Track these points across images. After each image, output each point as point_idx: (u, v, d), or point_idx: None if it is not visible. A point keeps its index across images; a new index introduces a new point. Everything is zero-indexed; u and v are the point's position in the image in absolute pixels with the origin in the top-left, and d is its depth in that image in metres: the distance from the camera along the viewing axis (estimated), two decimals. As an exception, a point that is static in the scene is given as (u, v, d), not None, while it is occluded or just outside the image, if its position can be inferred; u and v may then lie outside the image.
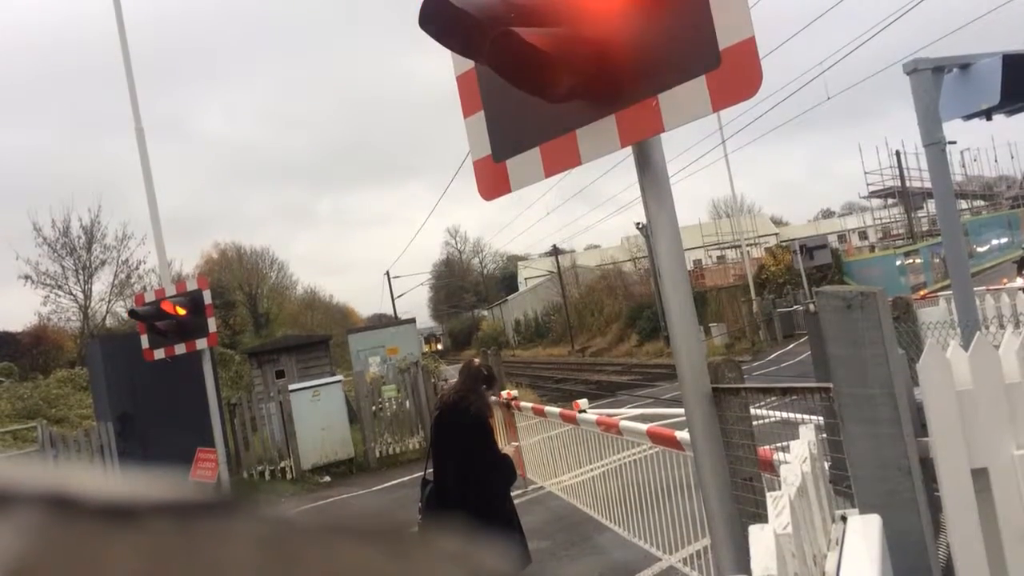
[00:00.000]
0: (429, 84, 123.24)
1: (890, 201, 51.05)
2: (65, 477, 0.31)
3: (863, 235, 62.43)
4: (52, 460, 12.99)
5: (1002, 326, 9.62)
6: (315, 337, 27.58)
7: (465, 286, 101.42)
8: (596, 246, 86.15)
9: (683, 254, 3.39)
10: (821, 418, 3.37)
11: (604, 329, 54.01)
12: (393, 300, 55.01)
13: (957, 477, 2.93)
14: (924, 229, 46.83)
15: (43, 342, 36.03)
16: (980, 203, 55.41)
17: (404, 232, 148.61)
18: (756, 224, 59.71)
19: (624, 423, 7.64)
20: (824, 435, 3.29)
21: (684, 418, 3.52)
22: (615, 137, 3.15)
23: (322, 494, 13.88)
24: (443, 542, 0.36)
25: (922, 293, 23.90)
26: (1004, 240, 48.14)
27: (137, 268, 37.60)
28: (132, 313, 13.31)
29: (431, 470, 5.83)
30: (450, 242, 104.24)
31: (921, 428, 2.99)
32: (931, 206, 41.13)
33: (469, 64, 3.59)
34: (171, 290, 13.12)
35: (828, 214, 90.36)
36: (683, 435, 5.68)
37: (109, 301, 37.45)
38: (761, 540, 1.85)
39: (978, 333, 3.39)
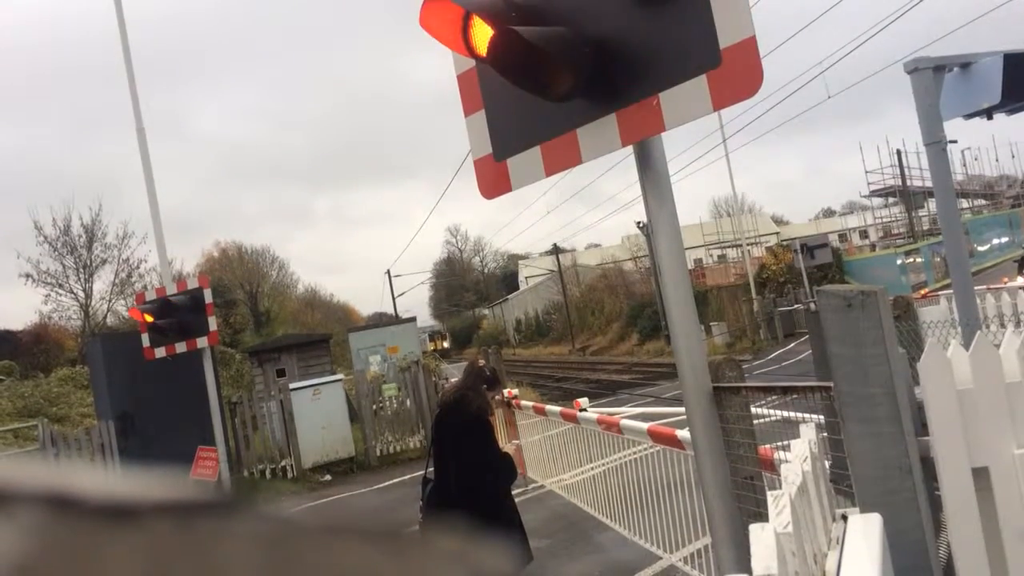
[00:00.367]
0: (428, 83, 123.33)
1: (891, 200, 51.00)
2: (66, 476, 0.31)
3: (864, 234, 62.36)
4: (53, 459, 13.00)
5: (1003, 325, 9.62)
6: (316, 336, 27.61)
7: (466, 285, 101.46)
8: (597, 245, 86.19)
9: (684, 253, 3.39)
10: (822, 417, 3.37)
11: (605, 328, 54.01)
12: (394, 299, 55.07)
13: (958, 476, 2.93)
14: (925, 228, 46.78)
15: (44, 341, 36.04)
16: (981, 202, 55.35)
17: (405, 231, 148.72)
18: (757, 223, 59.67)
19: (625, 422, 7.64)
20: (825, 434, 3.30)
21: (685, 417, 3.52)
22: (616, 136, 3.14)
23: (323, 493, 13.89)
24: (444, 541, 0.36)
25: (923, 292, 23.89)
26: (1005, 239, 48.12)
27: (138, 267, 37.67)
28: (133, 312, 13.32)
29: (432, 468, 5.83)
30: (451, 241, 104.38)
31: (922, 427, 2.99)
32: (932, 205, 41.12)
33: (470, 63, 3.59)
34: (172, 289, 13.14)
35: (829, 213, 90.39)
36: (684, 434, 5.68)
37: (110, 300, 37.52)
38: (762, 539, 1.85)
39: (979, 332, 3.39)
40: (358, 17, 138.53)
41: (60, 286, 36.75)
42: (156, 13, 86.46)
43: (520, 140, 3.51)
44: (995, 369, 2.95)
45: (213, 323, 12.76)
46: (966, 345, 3.06)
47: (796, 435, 3.10)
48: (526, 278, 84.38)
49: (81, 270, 36.99)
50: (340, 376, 17.94)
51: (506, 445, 10.19)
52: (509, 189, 3.62)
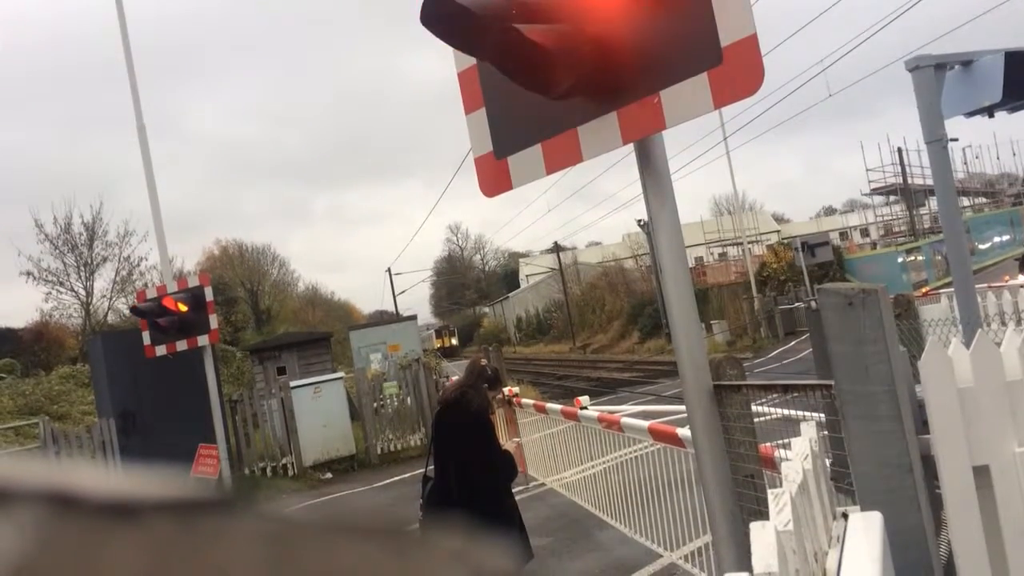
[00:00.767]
0: (429, 81, 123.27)
1: (892, 198, 50.97)
2: (67, 474, 0.31)
3: (865, 232, 62.32)
4: (54, 457, 13.01)
5: (1004, 323, 9.62)
6: (316, 334, 27.61)
7: (467, 283, 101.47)
8: (598, 243, 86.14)
9: (684, 251, 3.39)
10: (822, 415, 3.37)
11: (605, 326, 53.99)
12: (395, 297, 55.09)
13: (958, 474, 2.92)
14: (926, 226, 46.76)
15: (45, 339, 36.07)
16: (982, 200, 55.32)
17: (405, 229, 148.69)
18: (758, 221, 59.65)
19: (625, 420, 7.64)
20: (825, 432, 3.29)
21: (685, 415, 3.52)
22: (617, 134, 3.14)
23: (323, 491, 13.90)
24: (444, 539, 0.36)
25: (924, 290, 23.88)
26: (1006, 237, 48.11)
27: (139, 265, 37.69)
28: (134, 310, 13.34)
29: (432, 467, 5.83)
30: (451, 239, 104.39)
31: (922, 425, 2.99)
32: (933, 203, 41.06)
33: (471, 61, 3.59)
34: (173, 287, 13.15)
35: (830, 211, 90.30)
36: (684, 432, 5.68)
37: (111, 298, 37.54)
38: (762, 537, 1.85)
39: (980, 330, 3.39)
40: (357, 14, 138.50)
41: (61, 284, 36.82)
42: (155, 12, 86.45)
43: (521, 138, 3.51)
44: (996, 367, 2.95)
45: (214, 321, 12.77)
46: (967, 343, 3.06)
47: (797, 433, 3.10)
48: (527, 276, 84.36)
49: (82, 268, 37.04)
50: (341, 374, 17.95)
51: (506, 443, 10.20)
52: (510, 187, 3.62)
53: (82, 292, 37.05)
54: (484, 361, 6.25)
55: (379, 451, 15.95)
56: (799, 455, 2.68)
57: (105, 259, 37.30)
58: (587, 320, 58.15)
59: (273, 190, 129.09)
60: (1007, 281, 18.74)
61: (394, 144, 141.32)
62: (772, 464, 3.86)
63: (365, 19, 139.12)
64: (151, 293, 13.33)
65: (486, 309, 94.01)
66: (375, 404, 16.37)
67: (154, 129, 14.66)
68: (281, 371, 22.47)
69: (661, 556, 6.78)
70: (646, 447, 7.24)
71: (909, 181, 46.31)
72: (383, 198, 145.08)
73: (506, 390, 10.90)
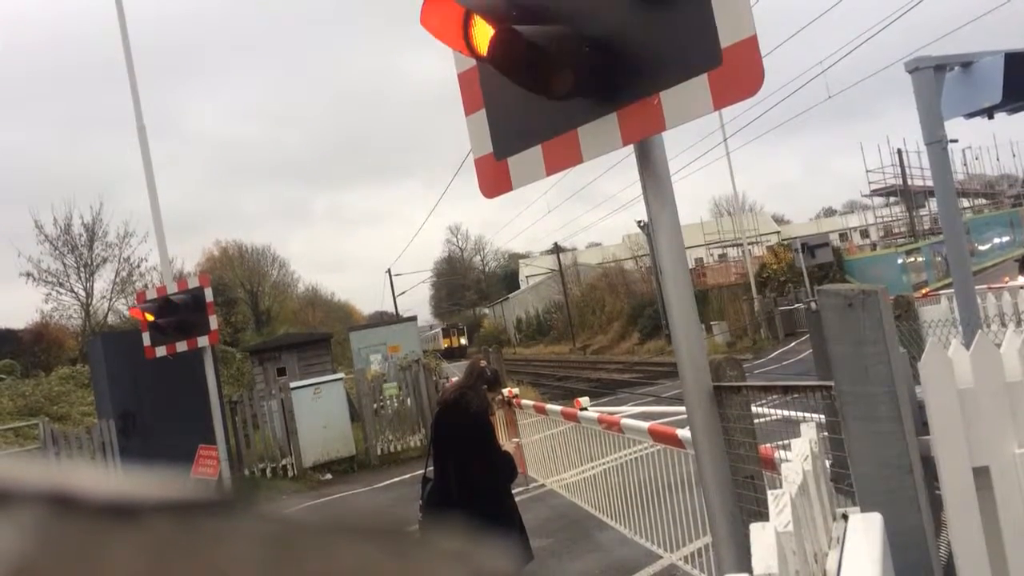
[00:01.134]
0: (428, 81, 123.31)
1: (892, 199, 50.99)
2: (67, 475, 0.31)
3: (865, 233, 62.32)
4: (54, 458, 13.01)
5: (1004, 324, 9.62)
6: (316, 335, 27.61)
7: (467, 284, 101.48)
8: (597, 244, 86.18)
9: (684, 252, 3.39)
10: (822, 416, 3.37)
11: (605, 327, 53.99)
12: (395, 298, 55.07)
13: (958, 475, 2.92)
14: (926, 227, 46.76)
15: (45, 339, 36.07)
16: (982, 202, 55.33)
17: (405, 230, 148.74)
18: (757, 222, 59.64)
19: (625, 421, 7.65)
20: (825, 433, 3.29)
21: (685, 416, 3.52)
22: (617, 135, 3.14)
23: (323, 492, 13.90)
24: (444, 540, 0.36)
25: (924, 291, 23.88)
26: (1006, 238, 48.11)
27: (139, 266, 37.68)
28: (140, 308, 13.31)
29: (431, 468, 5.83)
30: (451, 240, 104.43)
31: (922, 426, 2.99)
32: (933, 204, 41.09)
33: (471, 62, 3.59)
34: (173, 288, 13.14)
35: (830, 212, 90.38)
36: (684, 433, 5.68)
37: (111, 299, 37.54)
38: (762, 538, 1.85)
39: (980, 331, 3.39)
40: (357, 14, 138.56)
41: (61, 285, 36.82)
42: (155, 12, 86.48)
43: (521, 139, 3.51)
44: (996, 368, 2.95)
45: (214, 322, 12.76)
46: (967, 344, 3.06)
47: (797, 434, 3.10)
48: (527, 277, 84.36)
49: (82, 269, 37.04)
50: (341, 375, 17.95)
51: (506, 444, 10.20)
52: (510, 188, 3.62)
53: (82, 293, 37.08)
54: (484, 362, 6.25)
55: (379, 452, 15.95)
56: (799, 456, 2.68)
57: (105, 260, 37.34)
58: (587, 321, 58.15)
59: (273, 191, 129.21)
60: (1007, 282, 18.73)
61: (394, 145, 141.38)
62: (772, 465, 3.86)
63: (365, 18, 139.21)
64: (151, 294, 13.32)
65: (486, 310, 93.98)
66: (375, 405, 16.37)
67: (154, 129, 14.67)
68: (281, 372, 22.47)
69: (661, 557, 6.78)
70: (646, 448, 7.24)
71: (909, 182, 46.32)
72: (383, 199, 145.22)
73: (506, 391, 10.90)
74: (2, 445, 18.95)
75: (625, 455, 7.84)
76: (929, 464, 2.98)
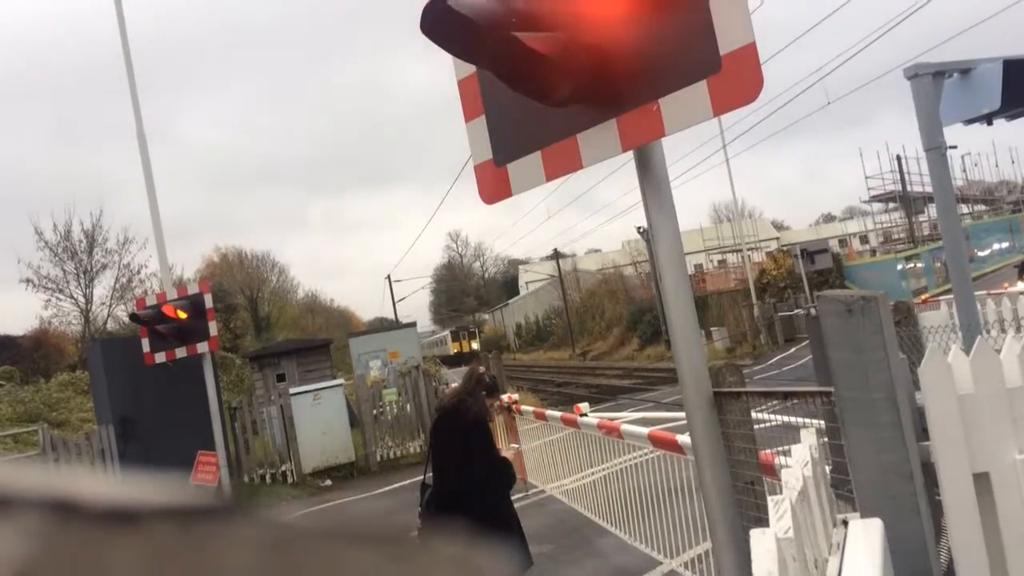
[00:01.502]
0: (430, 87, 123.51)
1: (891, 205, 51.03)
2: (67, 481, 0.31)
3: (864, 239, 62.35)
4: (53, 464, 12.99)
5: (1003, 330, 9.63)
6: (316, 341, 27.56)
7: (466, 290, 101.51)
8: (597, 250, 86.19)
9: (684, 258, 3.39)
10: (822, 422, 3.36)
11: (605, 333, 54.00)
12: (394, 304, 55.03)
13: (958, 481, 2.92)
14: (925, 233, 46.82)
15: (44, 346, 36.05)
16: (981, 207, 55.38)
17: (405, 236, 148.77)
18: (757, 228, 59.64)
19: (625, 427, 7.63)
20: (825, 439, 3.29)
21: (685, 422, 3.52)
22: (616, 141, 3.15)
23: (323, 498, 13.87)
24: (444, 546, 0.36)
25: (923, 297, 23.89)
26: (1005, 244, 48.17)
27: (138, 272, 37.72)
28: (133, 317, 13.34)
29: (431, 474, 5.82)
30: (451, 246, 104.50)
31: (922, 432, 2.99)
32: (932, 210, 41.12)
33: (471, 69, 3.60)
34: (172, 294, 13.15)
35: (829, 218, 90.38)
36: (684, 439, 5.67)
37: (110, 305, 37.55)
38: (763, 544, 1.85)
39: (979, 337, 3.39)
40: (354, 22, 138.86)
41: (60, 291, 36.85)
42: (151, 18, 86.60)
43: (520, 145, 3.51)
44: (996, 374, 2.95)
45: (213, 328, 12.77)
46: (967, 350, 3.06)
47: (797, 440, 3.10)
48: (526, 283, 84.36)
49: (82, 275, 37.06)
50: (340, 381, 17.92)
51: (505, 450, 10.18)
52: (510, 194, 3.62)
53: (81, 299, 37.10)
54: (483, 368, 6.24)
55: (378, 458, 15.92)
56: (799, 462, 2.68)
57: (105, 266, 37.37)
58: (587, 327, 58.16)
59: (273, 197, 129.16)
60: (1006, 288, 18.74)
61: (394, 151, 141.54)
62: (772, 471, 3.86)
63: (363, 23, 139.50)
64: (151, 300, 13.32)
65: (486, 316, 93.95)
66: (374, 411, 16.35)
67: (153, 136, 14.70)
68: (280, 378, 22.43)
69: (661, 563, 6.76)
70: (646, 454, 7.23)
71: (908, 188, 46.37)
72: (383, 204, 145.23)
73: (505, 397, 10.89)
74: (1, 451, 18.92)
75: (625, 461, 7.83)
76: (929, 470, 2.98)
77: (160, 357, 12.71)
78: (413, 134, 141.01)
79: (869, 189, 48.55)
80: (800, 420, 3.42)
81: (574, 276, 67.08)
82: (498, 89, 3.26)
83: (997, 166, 55.85)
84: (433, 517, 5.64)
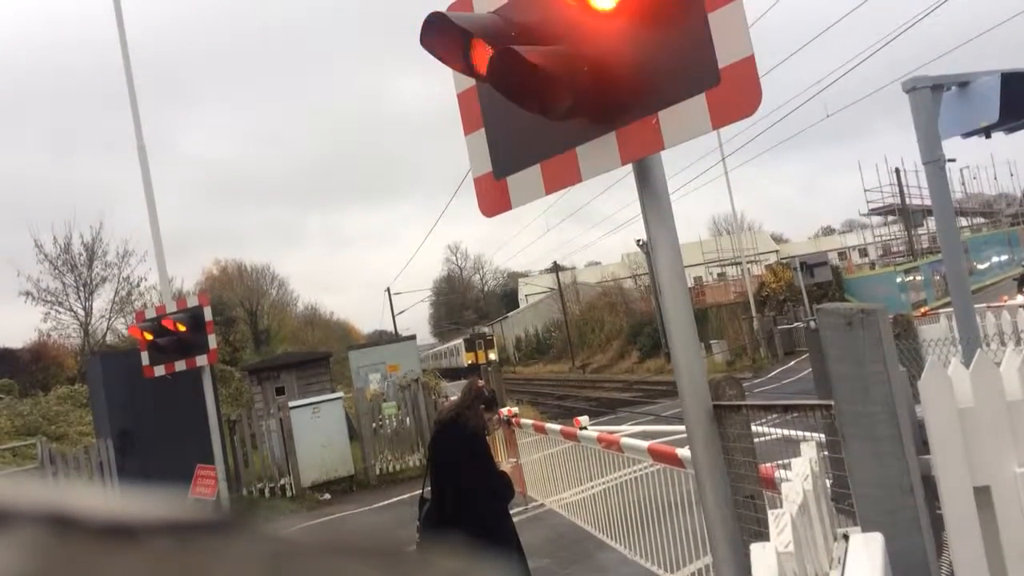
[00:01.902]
0: (427, 100, 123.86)
1: (890, 218, 51.14)
2: (66, 495, 0.31)
3: (863, 252, 62.45)
4: (51, 478, 12.95)
5: (1003, 343, 9.62)
6: (315, 354, 27.54)
7: (466, 303, 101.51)
8: (597, 263, 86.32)
9: (683, 271, 3.39)
10: (823, 435, 3.36)
11: (605, 346, 53.96)
12: (394, 317, 54.98)
13: (959, 495, 2.91)
14: (924, 246, 46.90)
15: (43, 359, 36.00)
16: (980, 220, 55.48)
17: (405, 249, 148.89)
18: (756, 241, 59.75)
19: (625, 440, 7.62)
20: (826, 453, 3.29)
21: (685, 435, 3.51)
22: (615, 154, 3.16)
23: (322, 511, 13.83)
24: (442, 560, 0.36)
25: (923, 310, 23.91)
26: (1004, 257, 48.24)
27: (138, 285, 37.71)
28: (132, 330, 13.32)
29: (429, 488, 5.81)
30: (451, 259, 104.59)
31: (923, 446, 2.99)
32: (931, 223, 41.19)
33: (470, 82, 3.61)
34: (172, 307, 13.14)
35: (828, 231, 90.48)
36: (684, 452, 5.66)
37: (110, 318, 37.51)
38: (763, 558, 1.84)
39: (979, 350, 3.38)
40: (354, 35, 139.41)
41: (60, 304, 36.81)
42: (148, 33, 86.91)
43: (520, 158, 3.52)
44: (996, 387, 2.95)
45: (213, 341, 12.75)
46: (966, 363, 3.05)
47: (797, 454, 3.10)
48: (526, 296, 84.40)
49: (81, 288, 37.04)
50: (340, 394, 17.89)
51: (505, 463, 10.16)
52: (509, 207, 3.63)
53: (81, 312, 37.07)
54: (481, 382, 6.23)
55: (378, 471, 15.88)
56: (799, 475, 2.67)
57: (104, 279, 37.35)
58: (586, 340, 58.12)
59: (273, 210, 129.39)
60: (1006, 301, 18.75)
61: (393, 164, 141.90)
62: (772, 484, 3.85)
63: (364, 40, 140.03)
64: (150, 313, 13.32)
65: (485, 329, 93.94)
66: (374, 424, 16.31)
67: (153, 150, 14.74)
68: (280, 391, 22.41)
69: (661, 578, 6.74)
70: (646, 467, 7.22)
71: (907, 201, 46.47)
72: (382, 217, 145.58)
73: (505, 410, 10.87)
74: (0, 465, 18.86)
75: (625, 474, 7.81)
76: (930, 484, 2.97)
77: (159, 370, 12.69)
78: (413, 147, 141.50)
79: (868, 202, 48.68)
80: (800, 433, 3.42)
81: (574, 289, 67.11)
82: (497, 102, 3.27)
83: (996, 179, 56.00)
84: (432, 531, 5.62)
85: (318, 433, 15.47)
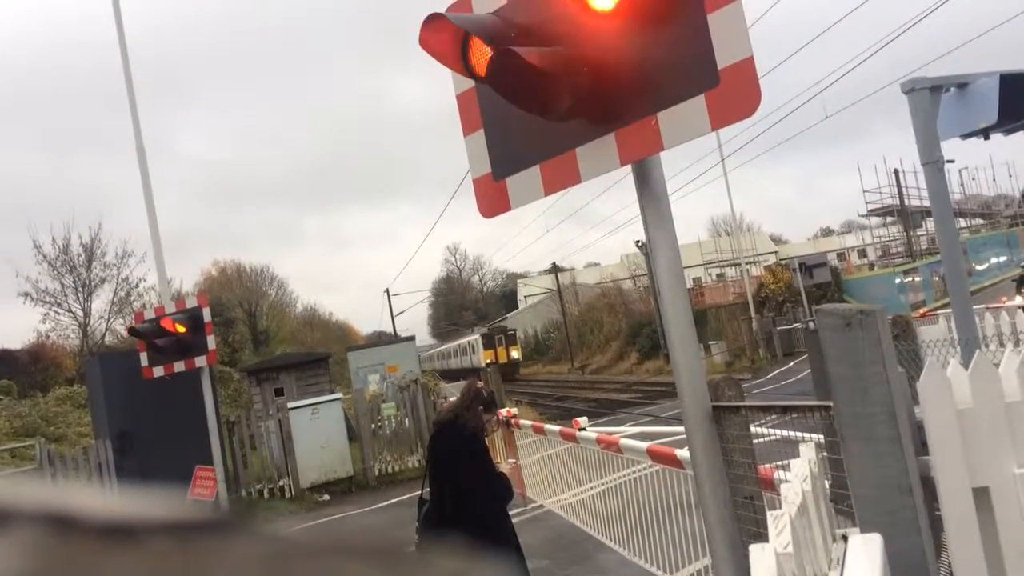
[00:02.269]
0: (426, 100, 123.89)
1: (889, 219, 51.13)
2: (65, 496, 0.31)
3: (862, 253, 62.44)
4: (50, 479, 12.94)
5: (1002, 344, 9.63)
6: (314, 355, 27.52)
7: (465, 303, 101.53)
8: (596, 264, 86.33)
9: (683, 272, 3.39)
10: (821, 436, 3.36)
11: (604, 347, 53.94)
12: (393, 318, 54.95)
13: (958, 496, 2.92)
14: (923, 247, 46.90)
15: (42, 360, 35.98)
16: (979, 222, 55.50)
17: (404, 249, 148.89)
18: (755, 242, 59.71)
19: (624, 441, 7.62)
20: (824, 454, 3.29)
21: (684, 436, 3.52)
22: (615, 155, 3.16)
23: (321, 512, 13.82)
24: (441, 561, 0.36)
25: (922, 311, 23.91)
26: (1003, 258, 48.24)
27: (137, 286, 37.68)
28: (131, 331, 13.33)
29: (428, 489, 5.81)
30: (450, 259, 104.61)
31: (922, 447, 2.99)
32: (930, 224, 41.22)
33: (469, 83, 3.61)
34: (171, 308, 13.14)
35: (827, 232, 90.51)
36: (683, 453, 5.66)
37: (108, 319, 37.49)
38: (762, 559, 1.84)
39: (978, 351, 3.39)
40: (353, 36, 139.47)
41: (59, 305, 36.79)
42: (150, 30, 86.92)
43: (519, 159, 3.52)
44: (995, 388, 2.95)
45: (212, 342, 12.75)
46: (965, 364, 3.06)
47: (796, 455, 3.10)
48: (525, 297, 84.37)
49: (80, 289, 37.02)
50: (339, 395, 17.88)
51: (504, 464, 10.15)
52: (508, 208, 3.63)
53: (80, 313, 37.05)
54: (480, 383, 6.23)
55: (377, 472, 15.87)
56: (798, 476, 2.67)
57: (103, 280, 37.33)
58: (585, 341, 58.09)
59: (272, 211, 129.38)
60: (1004, 302, 18.76)
61: (392, 165, 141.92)
62: (771, 486, 3.85)
63: (363, 41, 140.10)
64: (149, 314, 13.31)
65: (484, 330, 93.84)
66: (373, 425, 16.31)
67: (152, 151, 14.76)
68: (279, 392, 22.40)
69: (660, 579, 6.74)
70: (645, 468, 7.22)
71: (906, 202, 46.48)
72: (381, 218, 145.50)
73: (504, 411, 10.87)
74: (-2, 466, 18.84)
75: (624, 475, 7.81)
76: (929, 485, 2.98)
77: (158, 371, 12.69)
78: (412, 148, 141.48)
79: (867, 203, 48.65)
80: (799, 434, 3.42)
81: (573, 290, 67.11)
82: (497, 103, 3.27)
83: (994, 180, 55.99)
84: (431, 532, 5.61)
85: (317, 434, 15.46)
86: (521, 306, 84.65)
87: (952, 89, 7.65)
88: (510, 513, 5.99)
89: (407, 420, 16.50)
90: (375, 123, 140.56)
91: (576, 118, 3.17)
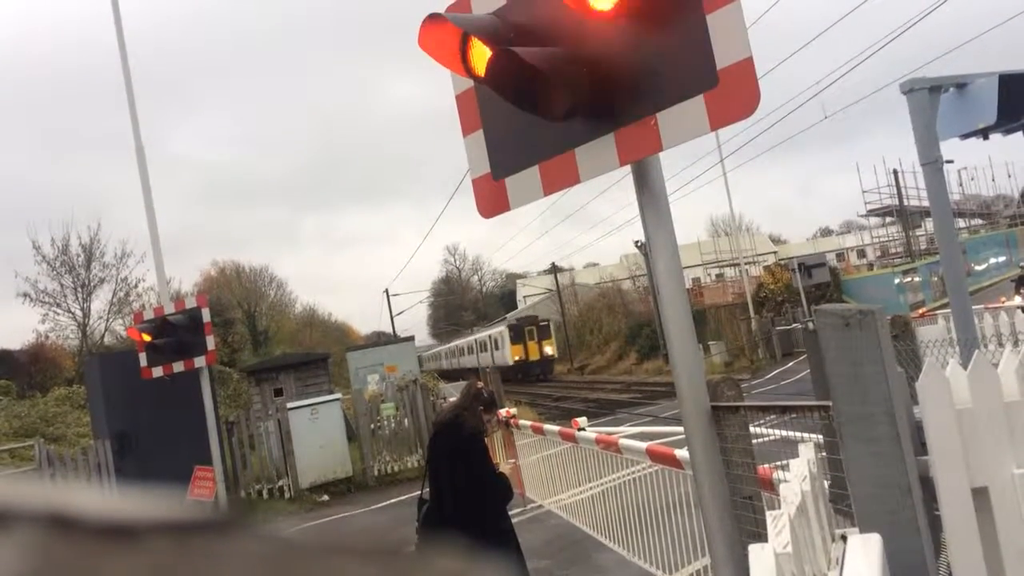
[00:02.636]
0: (425, 100, 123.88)
1: (888, 219, 51.16)
2: (64, 496, 0.31)
3: (861, 253, 62.47)
4: (49, 479, 12.94)
5: (1001, 344, 9.63)
6: (314, 355, 27.52)
7: (464, 304, 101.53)
8: (595, 264, 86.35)
9: (682, 272, 3.39)
10: (821, 436, 3.36)
11: (603, 347, 53.91)
12: (392, 318, 54.93)
13: (957, 496, 2.92)
14: (922, 247, 46.93)
15: (41, 360, 35.95)
16: (978, 222, 55.51)
17: (403, 250, 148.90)
18: (754, 242, 59.75)
19: (623, 441, 7.62)
20: (824, 454, 3.29)
21: (683, 436, 3.52)
22: (614, 155, 3.16)
23: (320, 513, 13.82)
24: (441, 561, 0.36)
25: (921, 311, 23.89)
26: (1002, 259, 48.24)
27: (136, 286, 37.68)
28: (131, 331, 13.32)
29: (427, 489, 5.81)
30: (449, 260, 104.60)
31: (921, 447, 2.99)
32: (929, 224, 41.25)
33: (468, 83, 3.61)
34: (170, 308, 13.14)
35: (826, 232, 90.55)
36: (683, 453, 5.66)
37: (108, 319, 37.48)
38: (761, 559, 1.84)
39: (977, 351, 3.39)
40: (352, 37, 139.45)
41: (58, 305, 36.78)
42: (148, 29, 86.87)
43: (518, 159, 3.52)
44: (994, 388, 2.95)
45: (211, 342, 12.75)
46: (964, 364, 3.06)
47: (795, 455, 3.10)
48: (524, 297, 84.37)
49: (79, 289, 37.00)
50: (338, 395, 17.88)
51: (503, 464, 10.15)
52: (508, 208, 3.63)
53: (79, 313, 37.03)
54: (480, 383, 6.23)
55: (376, 473, 15.86)
56: (797, 476, 2.67)
57: (102, 280, 37.32)
58: (585, 341, 58.07)
59: (271, 211, 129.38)
60: (1003, 302, 18.76)
61: (391, 165, 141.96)
62: (771, 486, 3.85)
63: (361, 42, 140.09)
64: (148, 314, 13.31)
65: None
66: (372, 425, 16.30)
67: (151, 151, 14.76)
68: (278, 392, 22.40)
69: (659, 579, 6.74)
70: (644, 468, 7.22)
71: (905, 202, 46.49)
72: (380, 219, 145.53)
73: (503, 411, 10.87)
74: (-3, 466, 18.83)
75: (623, 475, 7.81)
76: (928, 485, 2.98)
77: (157, 371, 12.69)
78: (411, 148, 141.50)
79: (866, 203, 48.68)
80: (798, 434, 3.42)
81: (572, 290, 67.07)
82: (496, 103, 3.27)
83: (994, 180, 55.99)
84: (431, 532, 5.62)
85: (316, 434, 15.46)
86: (520, 306, 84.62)
87: (951, 89, 7.66)
88: (510, 513, 5.99)
89: (406, 420, 16.50)
90: (375, 123, 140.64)
91: (575, 118, 3.17)
